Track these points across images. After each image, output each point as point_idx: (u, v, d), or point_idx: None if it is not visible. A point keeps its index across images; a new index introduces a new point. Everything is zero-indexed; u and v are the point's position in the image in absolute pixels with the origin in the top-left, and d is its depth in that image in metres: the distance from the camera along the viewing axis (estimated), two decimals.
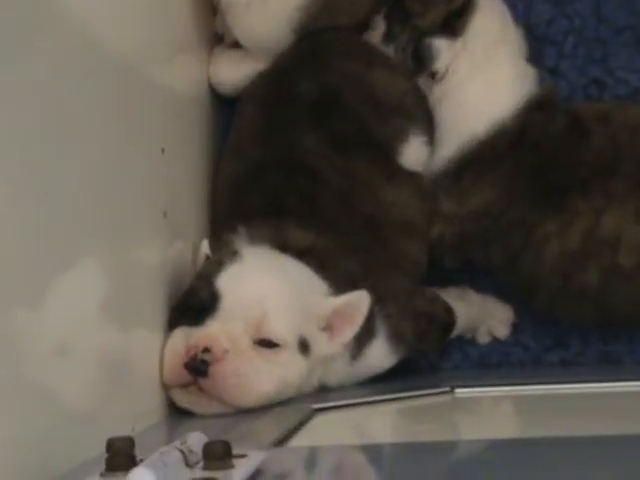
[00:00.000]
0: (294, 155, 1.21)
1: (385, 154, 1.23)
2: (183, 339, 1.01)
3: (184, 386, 1.00)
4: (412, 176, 1.25)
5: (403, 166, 1.24)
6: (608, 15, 1.34)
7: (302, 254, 1.13)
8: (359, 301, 1.08)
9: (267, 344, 1.01)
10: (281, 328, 1.03)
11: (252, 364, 1.01)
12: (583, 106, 1.30)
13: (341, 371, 1.14)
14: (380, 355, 1.18)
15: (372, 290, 1.13)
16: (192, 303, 1.04)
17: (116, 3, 1.09)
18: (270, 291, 1.05)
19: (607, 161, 1.24)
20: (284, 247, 1.13)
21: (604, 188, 1.22)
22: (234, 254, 1.07)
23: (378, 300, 1.15)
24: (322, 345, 1.08)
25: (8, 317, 0.80)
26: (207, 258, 1.11)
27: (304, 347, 1.05)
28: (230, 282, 1.03)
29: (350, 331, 1.09)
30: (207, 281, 1.04)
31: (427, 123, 1.26)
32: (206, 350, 0.99)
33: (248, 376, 1.01)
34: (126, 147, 1.08)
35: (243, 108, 1.28)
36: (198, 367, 0.98)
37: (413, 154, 1.24)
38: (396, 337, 1.19)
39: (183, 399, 1.02)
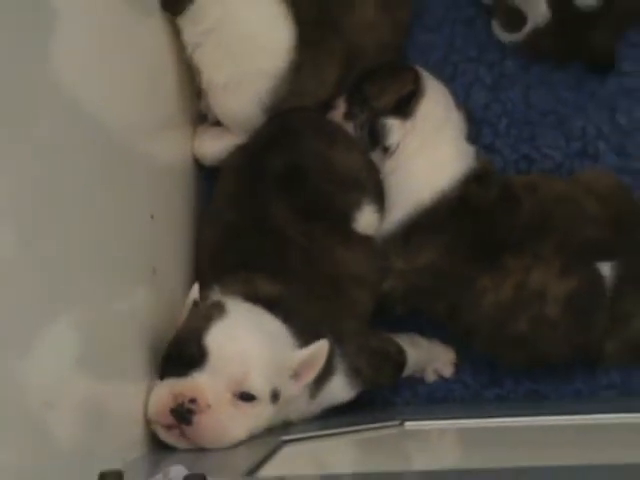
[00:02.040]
0: (264, 219, 1.20)
1: (342, 221, 1.23)
2: (171, 387, 1.02)
3: (167, 427, 1.00)
4: (364, 239, 1.24)
5: (357, 230, 1.24)
6: (535, 101, 1.35)
7: (271, 304, 1.12)
8: (320, 350, 1.07)
9: (246, 397, 1.01)
10: (260, 384, 1.02)
11: (230, 417, 1.01)
12: (514, 178, 1.30)
13: (302, 407, 1.13)
14: (339, 389, 1.17)
15: (331, 332, 1.14)
16: (181, 355, 1.03)
17: (114, 85, 1.10)
18: (253, 349, 1.04)
19: (535, 226, 1.23)
20: (255, 298, 1.12)
21: (532, 249, 1.22)
22: (221, 310, 1.06)
23: (337, 340, 1.14)
24: (289, 391, 1.07)
25: None
26: (195, 304, 1.09)
27: (275, 396, 1.04)
28: (217, 339, 1.02)
29: (312, 375, 1.08)
30: (195, 335, 1.03)
31: (378, 195, 1.26)
32: (192, 400, 0.99)
33: (225, 428, 1.01)
34: (119, 213, 1.08)
35: (222, 177, 1.27)
36: (184, 415, 0.99)
37: (365, 221, 1.24)
38: (353, 372, 1.18)
39: (165, 437, 1.02)
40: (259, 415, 1.03)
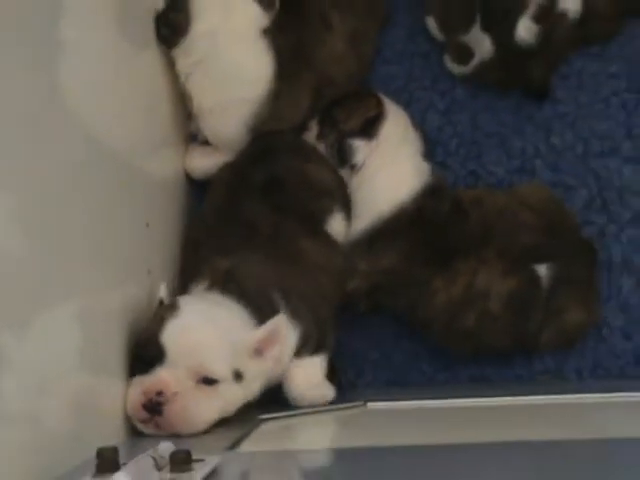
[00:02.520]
0: (245, 220, 1.20)
1: (316, 223, 1.23)
2: (140, 384, 1.01)
3: (143, 421, 1.00)
4: (333, 240, 1.24)
5: (329, 232, 1.24)
6: (481, 124, 1.35)
7: (227, 278, 1.10)
8: (276, 326, 1.04)
9: (208, 381, 1.01)
10: (218, 367, 1.01)
11: (196, 402, 1.01)
12: (463, 192, 1.31)
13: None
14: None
15: (282, 292, 1.11)
16: (144, 355, 1.03)
17: (116, 109, 1.10)
18: (205, 338, 1.03)
19: (480, 234, 1.24)
20: (217, 280, 1.10)
21: (478, 254, 1.23)
22: (173, 308, 1.05)
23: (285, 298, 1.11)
24: (254, 368, 1.05)
25: None
26: (160, 302, 1.09)
27: (238, 376, 1.03)
28: (171, 336, 1.02)
29: (275, 350, 1.06)
30: (153, 335, 1.02)
31: (346, 205, 1.27)
32: (159, 393, 0.99)
33: (194, 412, 1.00)
34: (117, 220, 1.07)
35: (212, 189, 1.28)
36: (154, 407, 0.99)
37: (336, 225, 1.25)
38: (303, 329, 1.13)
39: (144, 429, 1.02)
40: (225, 396, 1.03)
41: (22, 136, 0.85)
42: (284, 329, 1.05)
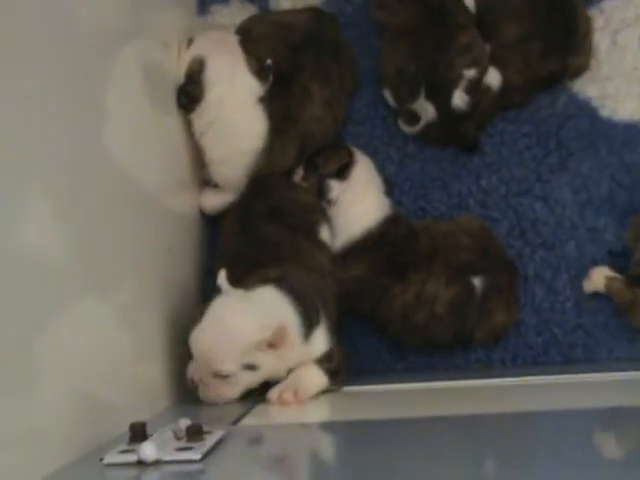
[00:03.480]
0: (261, 239, 1.20)
1: (312, 232, 1.25)
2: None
3: (195, 391, 1.06)
4: (326, 245, 1.25)
5: (322, 239, 1.25)
6: (428, 171, 1.38)
7: (279, 282, 1.07)
8: (280, 329, 1.01)
9: (221, 375, 1.04)
10: (226, 367, 1.03)
11: (216, 387, 1.04)
12: (415, 222, 1.34)
13: (298, 356, 1.06)
14: (322, 339, 1.09)
15: (319, 297, 1.09)
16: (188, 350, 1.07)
17: (147, 159, 1.12)
18: (212, 346, 1.02)
19: (429, 253, 1.27)
20: (267, 281, 1.07)
21: (427, 268, 1.26)
22: (201, 312, 1.04)
23: (322, 304, 1.09)
24: (269, 359, 1.03)
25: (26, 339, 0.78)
26: (217, 289, 1.07)
27: (251, 367, 1.04)
28: (192, 340, 1.04)
29: (285, 345, 1.02)
30: (188, 335, 1.05)
31: (329, 219, 1.29)
32: (191, 380, 1.06)
33: (217, 393, 1.05)
34: (144, 244, 1.10)
35: (226, 223, 1.30)
36: (193, 387, 1.06)
37: (325, 234, 1.27)
38: (330, 329, 1.10)
39: (198, 394, 1.07)
40: (241, 382, 1.05)
41: (77, 179, 0.90)
42: (286, 330, 1.02)
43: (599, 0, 1.34)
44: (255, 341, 1.01)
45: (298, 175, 1.33)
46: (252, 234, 1.21)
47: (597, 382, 1.13)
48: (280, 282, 1.07)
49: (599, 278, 1.26)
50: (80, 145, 0.91)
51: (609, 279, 1.25)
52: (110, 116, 0.99)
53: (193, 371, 1.04)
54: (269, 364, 1.04)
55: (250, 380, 1.06)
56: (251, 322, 1.03)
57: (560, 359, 1.29)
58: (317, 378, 1.09)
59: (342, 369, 1.12)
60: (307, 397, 1.06)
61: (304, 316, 1.06)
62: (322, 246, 1.25)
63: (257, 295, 1.06)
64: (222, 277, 1.08)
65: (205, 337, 1.03)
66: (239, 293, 1.07)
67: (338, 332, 1.17)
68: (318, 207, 1.29)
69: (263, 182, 1.29)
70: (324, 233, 1.27)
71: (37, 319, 0.79)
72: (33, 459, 0.75)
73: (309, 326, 1.07)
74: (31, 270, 0.78)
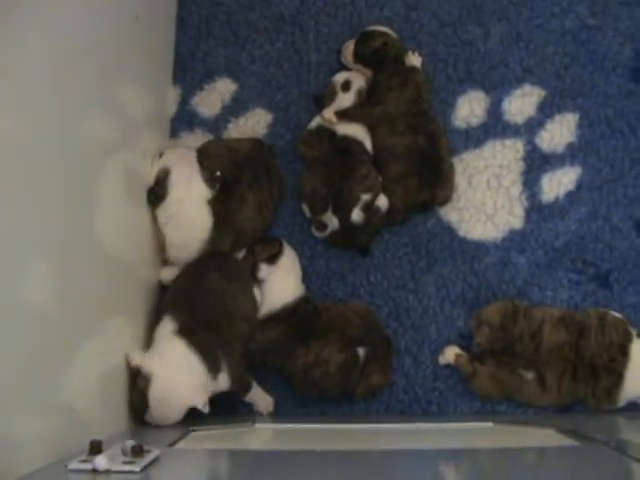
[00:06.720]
0: (203, 290, 1.32)
1: (251, 287, 1.37)
2: None
3: None
4: (255, 298, 1.37)
5: (256, 295, 1.37)
6: (331, 266, 1.48)
7: (189, 333, 1.23)
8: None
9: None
10: (198, 403, 1.20)
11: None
12: (320, 303, 1.43)
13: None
14: (225, 381, 1.26)
15: (221, 348, 1.22)
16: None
17: (123, 240, 1.20)
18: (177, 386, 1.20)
19: (327, 326, 1.38)
20: (182, 332, 1.22)
21: (325, 337, 1.36)
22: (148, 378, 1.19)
23: (226, 353, 1.23)
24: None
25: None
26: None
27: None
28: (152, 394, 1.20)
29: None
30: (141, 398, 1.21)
31: (259, 284, 1.40)
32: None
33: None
34: (116, 302, 1.19)
35: (177, 278, 1.40)
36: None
37: (257, 292, 1.39)
38: (233, 374, 1.25)
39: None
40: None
41: (69, 252, 0.99)
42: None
43: (460, 152, 1.53)
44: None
45: (239, 256, 1.44)
46: (198, 279, 1.33)
47: (446, 429, 1.25)
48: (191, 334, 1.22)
49: (450, 354, 1.42)
50: (73, 227, 1.01)
51: (457, 355, 1.41)
52: (98, 207, 1.09)
53: None
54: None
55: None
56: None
57: (420, 412, 1.42)
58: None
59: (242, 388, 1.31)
60: None
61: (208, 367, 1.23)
62: (252, 297, 1.37)
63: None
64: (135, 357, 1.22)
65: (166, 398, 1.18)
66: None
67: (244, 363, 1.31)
68: (248, 270, 1.39)
69: (210, 254, 1.40)
70: (256, 292, 1.39)
71: (37, 356, 0.90)
72: (13, 464, 0.84)
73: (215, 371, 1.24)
74: (31, 316, 0.90)
